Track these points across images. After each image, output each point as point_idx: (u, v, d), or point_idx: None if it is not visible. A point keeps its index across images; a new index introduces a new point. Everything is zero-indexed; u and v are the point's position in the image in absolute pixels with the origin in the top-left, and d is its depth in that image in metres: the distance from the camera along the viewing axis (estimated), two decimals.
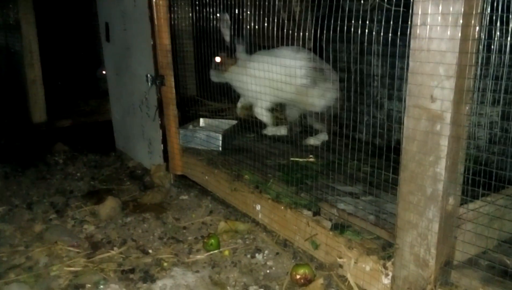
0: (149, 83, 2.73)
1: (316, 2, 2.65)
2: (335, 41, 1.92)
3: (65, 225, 2.35)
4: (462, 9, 1.23)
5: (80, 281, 1.84)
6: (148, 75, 2.72)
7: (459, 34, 1.24)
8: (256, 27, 2.36)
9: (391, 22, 1.59)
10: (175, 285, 1.82)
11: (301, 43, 2.32)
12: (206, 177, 2.59)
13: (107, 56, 3.43)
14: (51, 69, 4.46)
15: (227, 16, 2.63)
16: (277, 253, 2.02)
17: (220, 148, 2.74)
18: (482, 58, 1.33)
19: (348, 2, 2.57)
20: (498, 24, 1.38)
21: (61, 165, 3.27)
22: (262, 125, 3.02)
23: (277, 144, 2.81)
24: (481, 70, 1.36)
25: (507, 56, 1.46)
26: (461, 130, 1.34)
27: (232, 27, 2.65)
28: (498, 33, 1.40)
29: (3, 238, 2.22)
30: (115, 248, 2.11)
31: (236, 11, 2.45)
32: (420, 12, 1.32)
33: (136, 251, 2.09)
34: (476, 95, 1.37)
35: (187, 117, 3.09)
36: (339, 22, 1.78)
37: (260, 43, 2.65)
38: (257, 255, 2.01)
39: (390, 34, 1.58)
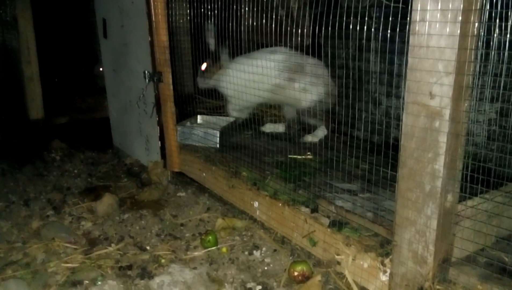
0: (147, 80, 2.72)
1: None
2: (333, 38, 1.91)
3: (62, 222, 2.34)
4: (461, 6, 1.22)
5: (77, 278, 1.84)
6: (146, 72, 2.71)
7: (458, 31, 1.24)
8: (254, 24, 2.35)
9: (390, 19, 1.58)
10: (172, 282, 1.81)
11: (299, 40, 2.32)
12: (204, 174, 2.58)
13: (105, 53, 3.42)
14: (48, 66, 4.44)
15: (212, 27, 2.74)
16: (275, 250, 2.02)
17: (218, 145, 2.73)
18: (481, 54, 1.33)
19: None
20: (498, 20, 1.37)
21: (58, 162, 3.26)
22: (260, 122, 3.02)
23: (275, 141, 2.80)
24: (480, 66, 1.35)
25: (506, 52, 1.46)
26: (460, 127, 1.34)
27: (217, 36, 2.76)
28: (497, 30, 1.39)
29: (0, 234, 2.21)
30: (112, 245, 2.10)
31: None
32: (419, 8, 1.31)
33: (134, 248, 2.08)
34: (475, 92, 1.37)
35: (184, 114, 3.08)
36: (337, 19, 1.77)
37: (258, 41, 2.65)
38: (254, 252, 2.01)
39: (389, 31, 1.58)
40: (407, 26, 1.36)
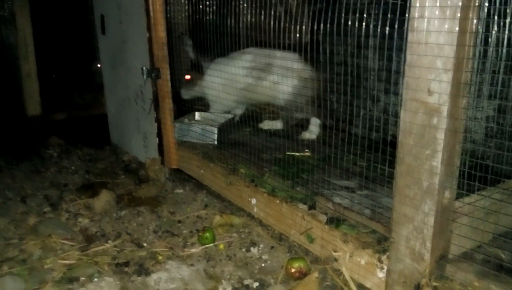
0: (145, 76, 2.71)
1: None
2: (331, 34, 1.91)
3: (59, 218, 2.33)
4: (460, 2, 1.22)
5: (74, 274, 1.83)
6: (144, 68, 2.70)
7: (457, 27, 1.24)
8: (253, 20, 2.35)
9: (389, 15, 1.57)
10: (169, 278, 1.81)
11: (297, 36, 2.32)
12: (202, 171, 2.58)
13: (103, 49, 3.41)
14: (46, 62, 4.42)
15: (189, 41, 2.95)
16: (272, 247, 2.02)
17: (216, 142, 2.73)
18: (480, 51, 1.33)
19: None
20: (496, 17, 1.37)
21: (56, 159, 3.25)
22: (258, 119, 3.02)
23: (273, 138, 2.80)
24: (478, 63, 1.35)
25: (504, 49, 1.45)
26: (458, 124, 1.34)
27: (196, 47, 2.94)
28: (495, 27, 1.39)
29: None
30: (109, 241, 2.10)
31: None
32: (418, 5, 1.31)
33: (131, 245, 2.08)
34: (473, 89, 1.37)
35: (182, 111, 3.07)
36: (336, 15, 1.77)
37: (257, 38, 2.65)
38: (252, 248, 2.01)
39: (387, 27, 1.57)
40: (406, 23, 1.35)
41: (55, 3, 5.06)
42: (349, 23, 1.79)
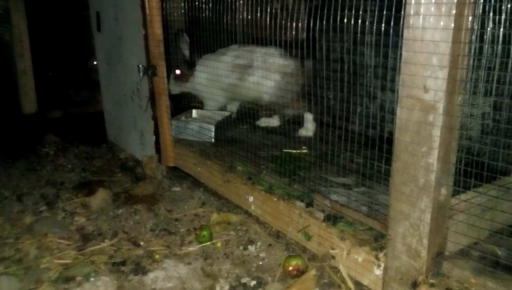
0: (141, 74, 2.70)
1: None
2: (328, 31, 1.90)
3: (56, 217, 2.33)
4: None
5: (70, 274, 1.83)
6: (140, 66, 2.69)
7: (453, 24, 1.23)
8: (249, 17, 2.34)
9: (384, 12, 1.57)
10: (167, 277, 1.81)
11: (294, 33, 2.31)
12: (199, 169, 2.58)
13: (98, 46, 3.39)
14: (41, 59, 4.41)
15: (186, 38, 2.95)
16: (270, 245, 2.02)
17: (213, 140, 2.72)
18: (475, 48, 1.32)
19: None
20: (491, 14, 1.36)
21: (52, 157, 3.24)
22: (255, 117, 3.01)
23: (270, 136, 2.80)
24: (473, 60, 1.35)
25: (499, 46, 1.45)
26: (454, 121, 1.33)
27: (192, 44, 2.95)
28: (491, 23, 1.39)
29: None
30: (106, 240, 2.09)
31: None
32: (413, 2, 1.30)
33: (128, 243, 2.08)
34: (469, 86, 1.36)
35: (179, 108, 3.06)
36: (332, 12, 1.76)
37: (254, 34, 2.64)
38: (249, 246, 2.01)
39: (383, 24, 1.57)
40: (401, 20, 1.35)
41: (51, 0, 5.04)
42: (345, 20, 1.79)
